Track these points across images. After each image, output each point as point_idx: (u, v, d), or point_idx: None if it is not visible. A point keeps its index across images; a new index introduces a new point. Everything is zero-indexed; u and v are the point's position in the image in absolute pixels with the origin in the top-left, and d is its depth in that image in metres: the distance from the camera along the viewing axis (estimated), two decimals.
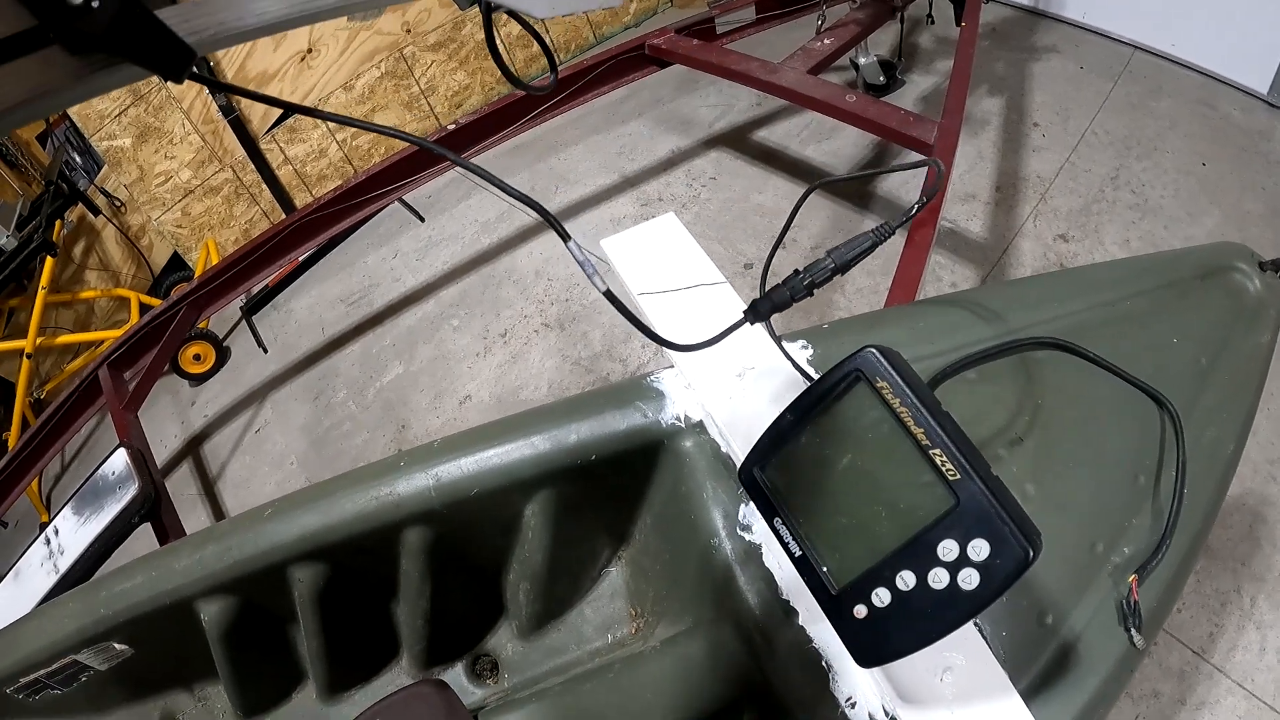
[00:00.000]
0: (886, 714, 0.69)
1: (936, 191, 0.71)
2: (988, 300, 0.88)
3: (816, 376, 0.67)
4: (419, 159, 2.14)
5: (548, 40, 3.14)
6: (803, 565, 0.56)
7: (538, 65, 3.20)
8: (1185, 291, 0.93)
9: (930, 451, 0.50)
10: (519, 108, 2.13)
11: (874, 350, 0.53)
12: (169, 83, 2.39)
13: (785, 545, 0.57)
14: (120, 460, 2.04)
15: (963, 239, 2.27)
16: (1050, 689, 0.71)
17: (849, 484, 0.55)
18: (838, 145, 2.59)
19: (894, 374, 0.52)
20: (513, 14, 0.53)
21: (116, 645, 0.90)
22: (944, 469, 0.50)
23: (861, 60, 2.59)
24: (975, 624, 0.71)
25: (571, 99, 2.20)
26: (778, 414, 0.59)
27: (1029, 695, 0.69)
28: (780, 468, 0.58)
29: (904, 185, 2.41)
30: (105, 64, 0.33)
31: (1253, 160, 2.29)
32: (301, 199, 2.85)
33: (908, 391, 0.51)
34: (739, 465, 0.64)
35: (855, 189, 2.46)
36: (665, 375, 0.85)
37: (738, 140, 2.74)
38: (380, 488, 0.85)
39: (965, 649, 0.68)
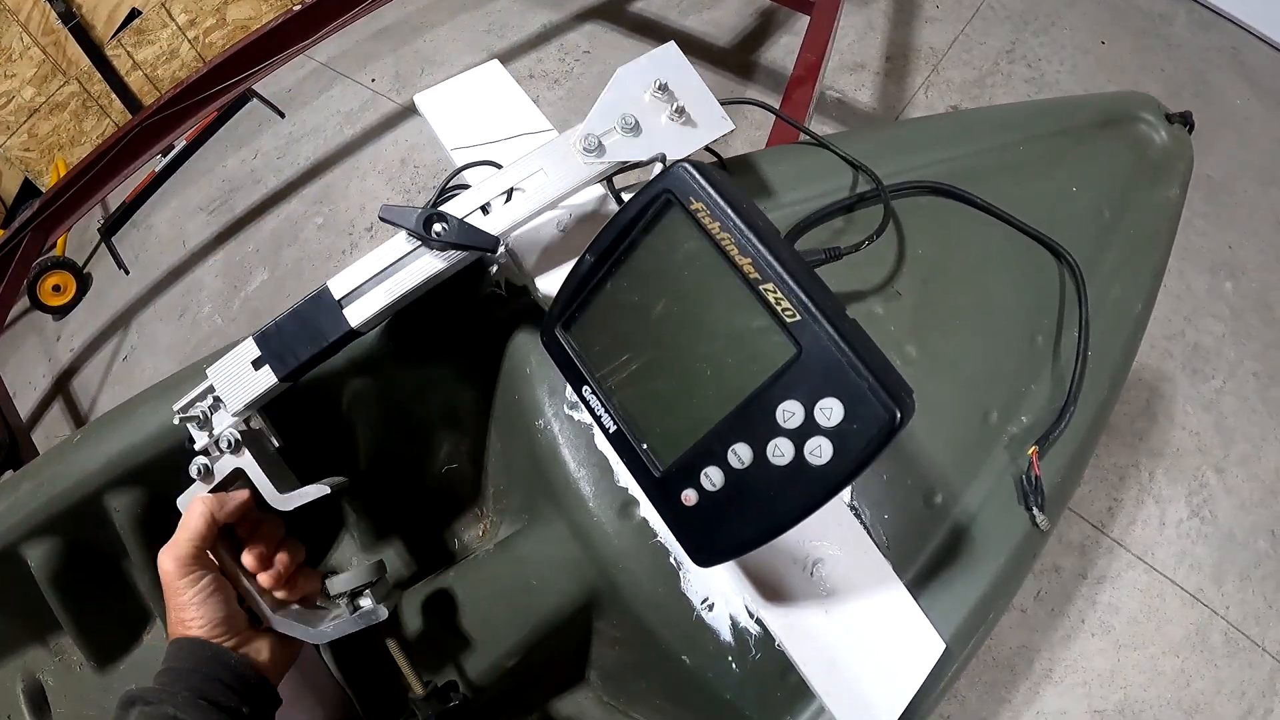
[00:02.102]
0: (751, 615, 0.60)
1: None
2: (862, 143, 0.77)
3: None
4: (267, 44, 1.94)
5: None
6: (619, 443, 0.45)
7: None
8: (1085, 139, 0.85)
9: (761, 287, 0.38)
10: None
11: (686, 165, 0.41)
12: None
13: (598, 419, 0.46)
14: None
15: (850, 109, 2.19)
16: (942, 578, 0.63)
17: (667, 337, 0.43)
18: (719, 15, 2.45)
19: (710, 191, 0.40)
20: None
21: None
22: (780, 309, 0.38)
23: None
24: (851, 506, 0.62)
25: None
26: None
27: (917, 586, 0.62)
28: (586, 324, 0.46)
29: (790, 55, 2.25)
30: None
31: (1153, 43, 2.25)
32: None
33: (729, 213, 0.39)
34: None
35: (736, 59, 2.35)
36: None
37: (613, 12, 2.56)
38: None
39: (839, 537, 0.59)
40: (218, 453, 0.64)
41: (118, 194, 2.39)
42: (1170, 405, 1.68)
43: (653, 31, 2.47)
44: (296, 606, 0.64)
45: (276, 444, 0.68)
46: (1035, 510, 0.64)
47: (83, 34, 2.40)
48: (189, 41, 2.62)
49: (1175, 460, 1.63)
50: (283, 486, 0.64)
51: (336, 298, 0.60)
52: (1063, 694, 1.44)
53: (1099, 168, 0.83)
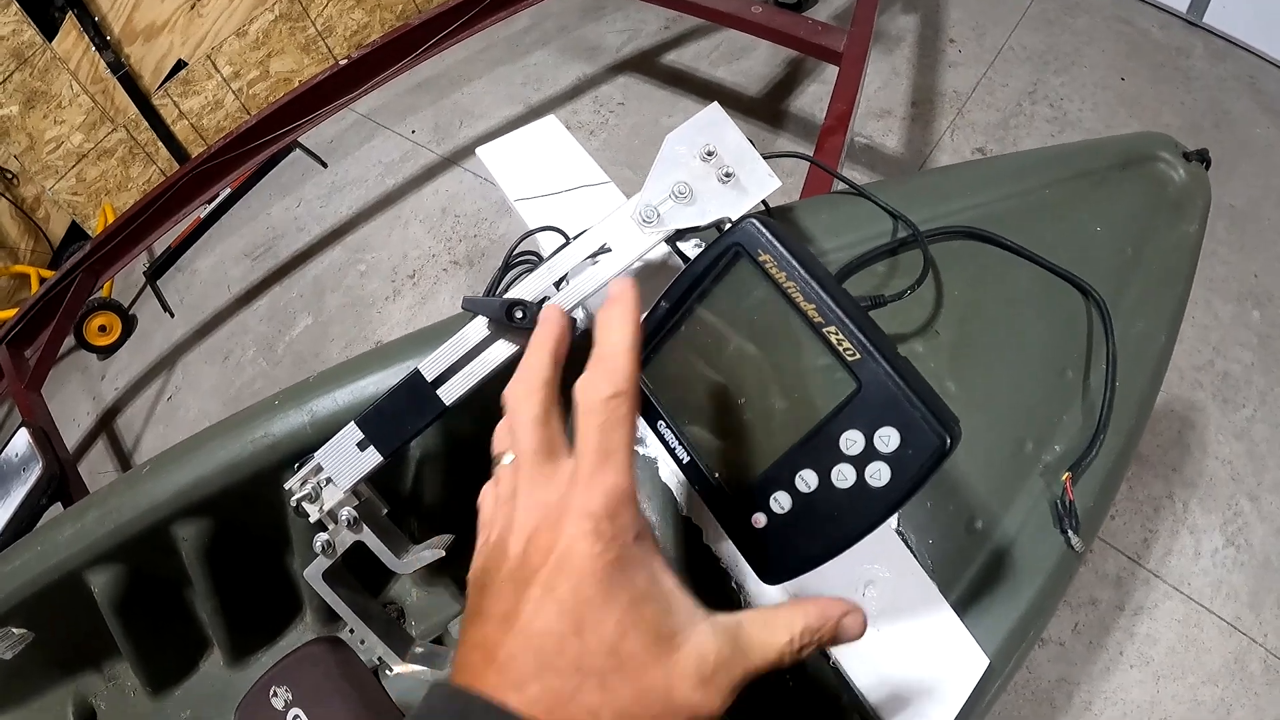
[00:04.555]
0: None
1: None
2: (895, 191, 0.82)
3: None
4: (311, 98, 2.01)
5: None
6: (692, 472, 0.49)
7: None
8: (1105, 181, 0.88)
9: (824, 330, 0.43)
10: (414, 37, 2.01)
11: (754, 221, 0.46)
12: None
13: (671, 451, 0.50)
14: (22, 441, 1.95)
15: (879, 154, 2.24)
16: (984, 598, 0.66)
17: (737, 375, 0.48)
18: (749, 65, 2.53)
19: (777, 245, 0.45)
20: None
21: (15, 630, 0.84)
22: (841, 349, 0.43)
23: None
24: (899, 532, 0.66)
25: (470, 25, 2.07)
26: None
27: (962, 606, 0.65)
28: (660, 364, 0.51)
29: (819, 103, 2.35)
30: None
31: (1172, 76, 2.28)
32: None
33: (794, 264, 0.44)
34: None
35: (767, 108, 2.41)
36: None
37: (646, 64, 2.65)
38: (254, 431, 0.79)
39: (888, 560, 0.63)
40: (334, 525, 0.67)
41: (164, 239, 2.47)
42: (1202, 435, 1.70)
43: (684, 83, 2.55)
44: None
45: (385, 510, 0.71)
46: (1070, 533, 0.67)
47: (130, 83, 2.50)
48: (233, 92, 2.72)
49: (1209, 489, 1.64)
50: (399, 551, 0.69)
51: (429, 379, 0.63)
52: None
53: (1120, 207, 0.86)
